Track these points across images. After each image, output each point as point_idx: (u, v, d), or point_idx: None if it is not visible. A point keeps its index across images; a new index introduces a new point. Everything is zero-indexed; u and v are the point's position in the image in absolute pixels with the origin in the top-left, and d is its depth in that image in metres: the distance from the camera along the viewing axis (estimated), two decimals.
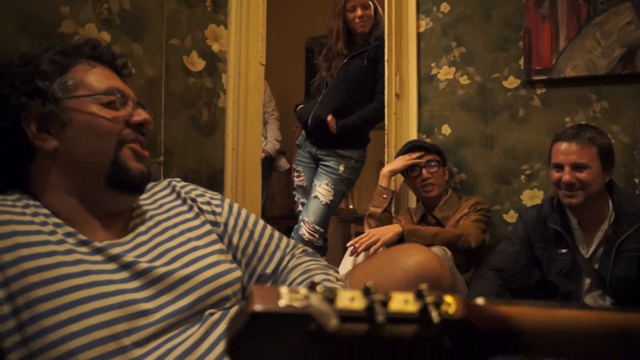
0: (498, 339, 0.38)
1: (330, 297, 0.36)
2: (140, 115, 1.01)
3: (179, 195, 1.11)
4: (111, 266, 0.91)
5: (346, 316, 0.35)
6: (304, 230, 2.81)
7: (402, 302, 0.36)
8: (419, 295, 0.37)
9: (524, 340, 0.39)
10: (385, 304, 0.36)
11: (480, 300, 0.38)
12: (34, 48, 1.02)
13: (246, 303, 0.35)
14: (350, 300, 0.36)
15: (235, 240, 1.10)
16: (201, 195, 1.12)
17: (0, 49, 1.10)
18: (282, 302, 0.35)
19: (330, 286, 0.88)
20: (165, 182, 1.15)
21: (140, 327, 0.86)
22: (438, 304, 0.37)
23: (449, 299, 0.37)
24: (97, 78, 0.99)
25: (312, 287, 0.36)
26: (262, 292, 0.35)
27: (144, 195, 1.09)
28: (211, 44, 1.69)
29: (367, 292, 0.36)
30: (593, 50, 2.45)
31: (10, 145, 0.94)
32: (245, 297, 1.04)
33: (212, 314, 0.94)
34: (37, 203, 0.93)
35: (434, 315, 0.36)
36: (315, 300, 0.35)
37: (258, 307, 0.34)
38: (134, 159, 0.99)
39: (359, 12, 2.86)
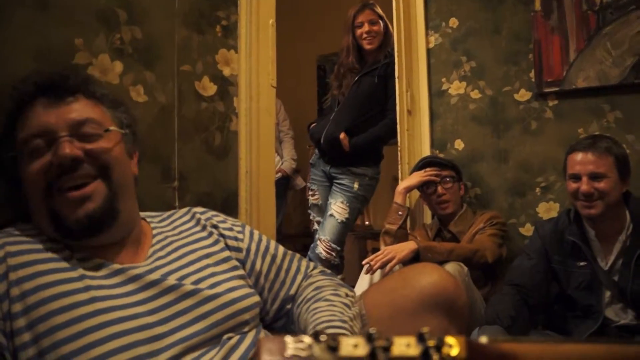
0: None
1: (333, 345, 0.37)
2: (57, 152, 0.90)
3: (198, 222, 1.13)
4: (130, 287, 0.92)
5: None
6: (320, 248, 2.81)
7: (404, 347, 0.38)
8: (421, 339, 0.38)
9: None
10: (387, 349, 0.37)
11: (483, 339, 0.39)
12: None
13: (254, 354, 0.37)
14: (353, 347, 0.37)
15: (258, 265, 1.12)
16: (223, 222, 1.15)
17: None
18: (288, 353, 0.37)
19: (335, 333, 0.90)
20: (185, 210, 1.17)
21: (157, 351, 0.86)
22: (439, 346, 0.37)
23: (450, 340, 0.38)
24: (24, 125, 0.93)
25: (316, 335, 0.38)
26: (268, 344, 0.38)
27: (164, 223, 1.12)
28: (222, 68, 1.71)
29: (369, 338, 0.37)
30: (604, 61, 2.44)
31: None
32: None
33: (230, 338, 0.95)
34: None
35: (435, 358, 0.37)
36: (318, 350, 0.37)
37: (265, 358, 0.37)
38: (68, 205, 0.91)
39: (366, 27, 2.90)
